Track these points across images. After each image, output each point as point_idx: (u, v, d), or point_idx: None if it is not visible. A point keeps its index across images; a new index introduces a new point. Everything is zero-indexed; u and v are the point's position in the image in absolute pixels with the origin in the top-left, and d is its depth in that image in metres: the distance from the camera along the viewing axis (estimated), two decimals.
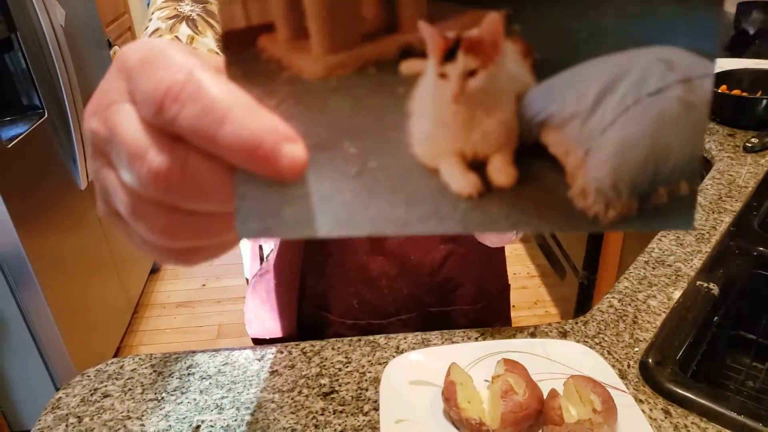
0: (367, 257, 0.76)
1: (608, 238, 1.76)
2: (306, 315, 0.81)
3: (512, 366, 0.61)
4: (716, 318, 0.73)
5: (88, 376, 0.69)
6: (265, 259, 0.83)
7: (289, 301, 0.80)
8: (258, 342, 0.84)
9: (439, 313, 0.81)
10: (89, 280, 1.84)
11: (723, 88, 1.26)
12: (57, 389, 0.67)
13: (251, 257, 0.86)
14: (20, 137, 1.50)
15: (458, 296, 0.81)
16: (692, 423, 0.58)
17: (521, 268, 2.42)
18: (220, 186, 0.22)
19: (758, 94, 1.24)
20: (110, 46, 2.26)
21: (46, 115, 1.63)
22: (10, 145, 1.45)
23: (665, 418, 0.59)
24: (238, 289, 2.39)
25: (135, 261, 2.23)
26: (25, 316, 1.56)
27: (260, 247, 0.84)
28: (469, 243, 0.78)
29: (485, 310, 0.83)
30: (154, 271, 2.47)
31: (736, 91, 1.25)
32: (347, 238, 0.22)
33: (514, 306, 2.19)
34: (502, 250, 0.85)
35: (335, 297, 0.79)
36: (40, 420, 0.64)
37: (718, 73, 1.30)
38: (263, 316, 0.82)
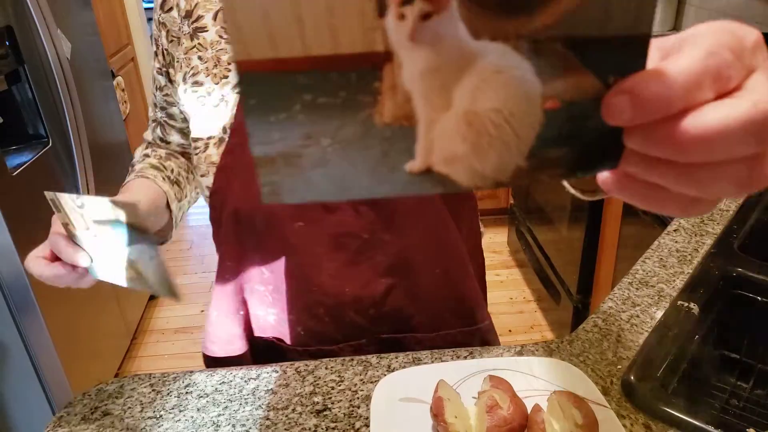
0: (304, 288, 0.75)
1: (601, 261, 1.79)
2: (261, 341, 0.82)
3: (498, 382, 0.63)
4: (697, 336, 0.75)
5: (89, 395, 0.72)
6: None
7: (241, 326, 0.80)
8: (212, 361, 0.83)
9: (391, 339, 0.78)
10: (89, 307, 1.86)
11: None
12: (55, 415, 0.69)
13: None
14: (25, 165, 1.54)
15: (412, 326, 0.79)
16: None
17: (517, 293, 2.44)
18: None
19: None
20: (113, 76, 2.32)
21: (50, 144, 1.67)
22: (15, 173, 1.49)
23: None
24: None
25: None
26: (25, 342, 1.57)
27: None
28: (416, 276, 0.76)
29: (449, 339, 0.79)
30: (153, 297, 2.49)
31: None
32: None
33: (510, 331, 2.21)
34: (470, 279, 0.80)
35: (282, 325, 0.79)
36: None
37: None
38: (224, 335, 0.81)
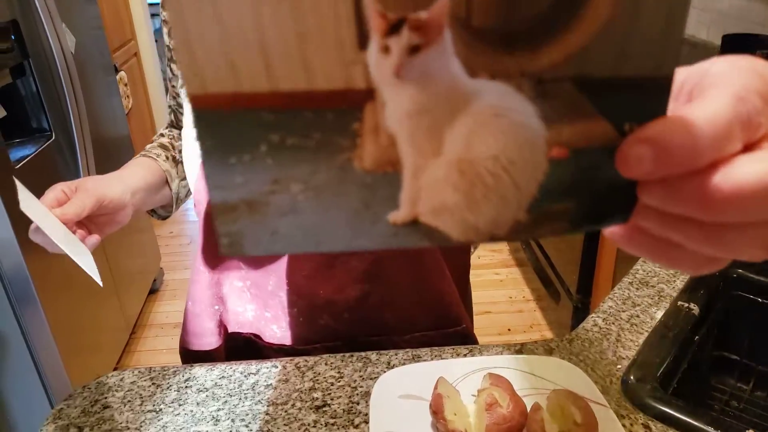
0: (279, 286, 0.76)
1: (601, 261, 1.79)
2: (238, 336, 0.82)
3: (497, 380, 0.63)
4: (697, 337, 0.75)
5: (89, 388, 0.72)
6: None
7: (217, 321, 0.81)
8: (186, 353, 0.84)
9: (367, 342, 0.78)
10: (89, 300, 1.86)
11: None
12: (54, 408, 0.70)
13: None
14: (28, 159, 1.54)
15: (387, 329, 0.79)
16: None
17: (517, 292, 2.44)
18: None
19: None
20: (116, 71, 2.33)
21: (53, 138, 1.67)
22: (18, 166, 1.49)
23: None
24: None
25: (134, 281, 2.26)
26: (25, 334, 1.58)
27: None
28: (391, 282, 0.76)
29: (425, 341, 0.79)
30: (153, 291, 2.49)
31: None
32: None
33: (509, 330, 2.21)
34: (447, 283, 0.80)
35: (260, 321, 0.80)
36: (41, 429, 0.66)
37: None
38: (200, 329, 0.82)
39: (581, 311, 1.90)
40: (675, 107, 0.24)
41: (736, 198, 0.21)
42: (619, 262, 1.65)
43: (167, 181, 0.86)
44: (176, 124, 0.92)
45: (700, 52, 2.12)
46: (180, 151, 0.89)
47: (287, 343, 0.79)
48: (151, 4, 3.18)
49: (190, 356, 0.82)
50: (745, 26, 1.94)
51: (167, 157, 0.87)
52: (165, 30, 0.83)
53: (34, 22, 1.60)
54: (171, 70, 0.86)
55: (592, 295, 1.86)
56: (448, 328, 0.81)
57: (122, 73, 2.45)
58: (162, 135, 0.92)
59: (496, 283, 2.50)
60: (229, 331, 0.82)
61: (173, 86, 0.87)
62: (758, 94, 0.23)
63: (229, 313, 0.81)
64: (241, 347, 0.82)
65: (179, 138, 0.91)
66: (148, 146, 0.89)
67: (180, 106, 0.88)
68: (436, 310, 0.82)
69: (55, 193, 0.69)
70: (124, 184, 0.75)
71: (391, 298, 0.77)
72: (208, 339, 0.81)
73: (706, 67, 0.25)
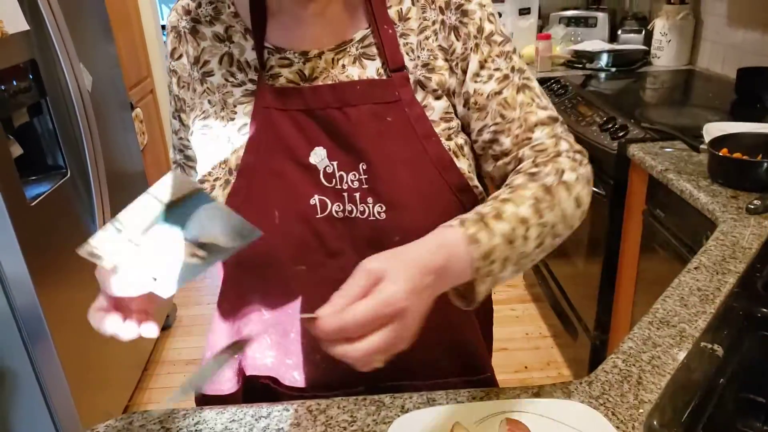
0: (302, 332, 0.74)
1: (618, 298, 1.76)
2: (256, 381, 0.81)
3: (515, 426, 0.61)
4: (722, 380, 0.72)
5: (97, 431, 0.70)
6: None
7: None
8: (202, 398, 0.83)
9: (389, 387, 0.75)
10: (101, 337, 1.85)
11: (724, 152, 1.29)
12: None
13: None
14: (43, 196, 1.56)
15: (410, 374, 0.77)
16: None
17: (533, 328, 2.40)
18: None
19: (759, 157, 1.26)
20: (132, 108, 2.37)
21: (68, 175, 1.70)
22: (33, 204, 1.51)
23: None
24: None
25: None
26: (36, 371, 1.57)
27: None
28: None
29: (448, 388, 0.74)
30: (166, 327, 2.48)
31: (737, 154, 1.28)
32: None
33: (526, 367, 2.17)
34: (473, 329, 0.80)
35: (279, 367, 0.78)
36: None
37: (720, 137, 1.34)
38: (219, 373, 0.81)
39: (599, 348, 1.86)
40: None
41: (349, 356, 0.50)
42: (638, 298, 1.62)
43: None
44: None
45: (714, 85, 2.12)
46: None
47: (306, 390, 0.77)
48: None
49: (207, 401, 0.81)
50: (760, 60, 1.94)
51: None
52: (173, 80, 0.77)
53: (52, 61, 1.64)
54: (180, 120, 0.79)
55: (610, 331, 1.82)
56: (473, 375, 0.79)
57: (138, 110, 2.49)
58: None
59: (513, 320, 2.46)
60: (247, 374, 0.81)
61: (180, 138, 0.81)
62: (406, 292, 0.51)
63: (248, 359, 0.80)
64: (258, 391, 0.80)
65: None
66: None
67: (188, 159, 0.82)
68: (462, 357, 0.80)
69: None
70: None
71: (416, 343, 0.73)
72: (225, 385, 0.80)
73: (392, 264, 0.52)
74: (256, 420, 0.71)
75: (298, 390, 0.77)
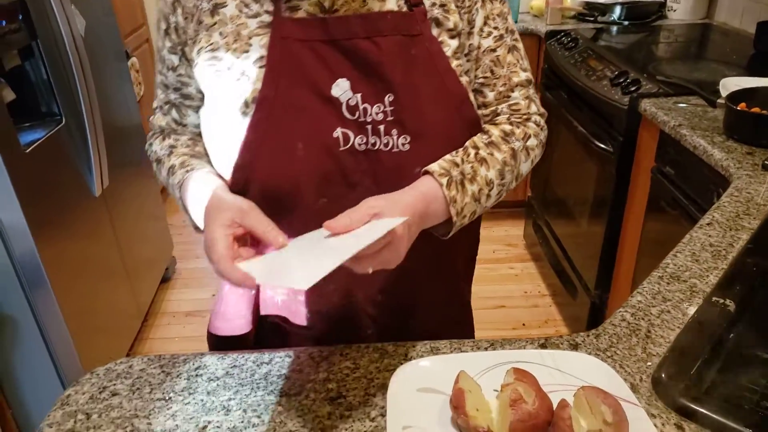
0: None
1: (621, 257, 1.75)
2: (266, 321, 0.81)
3: (522, 375, 0.60)
4: (732, 335, 0.71)
5: (98, 374, 0.70)
6: None
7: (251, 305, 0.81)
8: (215, 339, 0.83)
9: (396, 331, 0.78)
10: (101, 286, 1.85)
11: (742, 106, 1.25)
12: (63, 393, 0.67)
13: None
14: (38, 143, 1.52)
15: (412, 319, 0.82)
16: None
17: (532, 287, 2.40)
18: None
19: None
20: (128, 57, 2.30)
21: (63, 122, 1.66)
22: (28, 150, 1.48)
23: None
24: None
25: (146, 269, 2.25)
26: (37, 319, 1.57)
27: None
28: (421, 267, 0.76)
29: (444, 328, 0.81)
30: (165, 279, 2.49)
31: (755, 109, 1.24)
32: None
33: (524, 324, 2.18)
34: (467, 282, 0.91)
35: (291, 305, 0.79)
36: (49, 416, 0.64)
37: (737, 91, 1.30)
38: (235, 312, 0.81)
39: (599, 307, 1.86)
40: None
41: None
42: (641, 257, 1.60)
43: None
44: (179, 122, 0.81)
45: (732, 40, 2.06)
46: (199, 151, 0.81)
47: (315, 328, 0.78)
48: None
49: (220, 342, 0.81)
50: None
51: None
52: (178, 11, 0.73)
53: (41, 2, 1.58)
54: (183, 54, 0.74)
55: (611, 290, 1.82)
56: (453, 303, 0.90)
57: (134, 59, 2.43)
58: (173, 147, 0.80)
59: (512, 278, 2.46)
60: (261, 313, 0.81)
61: (179, 75, 0.76)
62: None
63: (261, 296, 0.80)
64: (268, 332, 0.81)
65: (194, 145, 0.81)
66: (190, 162, 0.77)
67: (186, 97, 0.78)
68: (453, 299, 0.89)
69: (224, 240, 0.61)
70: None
71: (419, 284, 0.81)
72: (239, 322, 0.79)
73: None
74: (257, 366, 0.70)
75: (306, 329, 0.78)
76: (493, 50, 0.76)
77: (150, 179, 2.36)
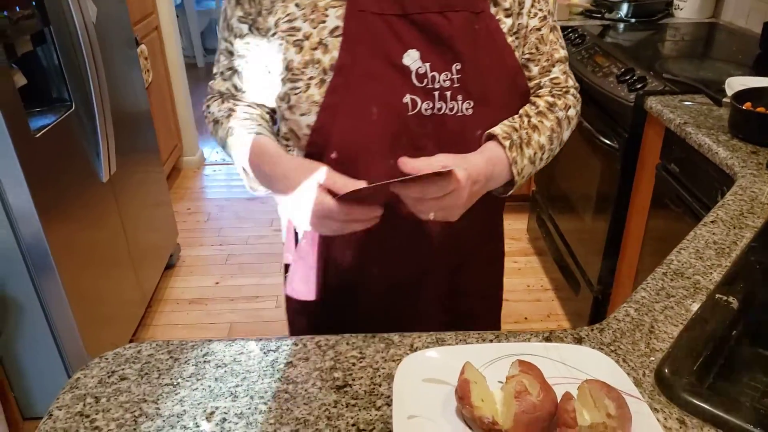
0: (390, 214, 0.76)
1: (625, 253, 1.75)
2: (335, 284, 0.92)
3: (527, 368, 0.60)
4: (735, 332, 0.72)
5: (107, 359, 0.71)
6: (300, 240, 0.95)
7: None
8: (294, 306, 0.98)
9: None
10: (106, 272, 1.87)
11: (747, 105, 1.25)
12: (71, 378, 0.68)
13: (287, 237, 0.98)
14: (48, 128, 1.53)
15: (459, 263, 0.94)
16: None
17: (535, 281, 2.41)
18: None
19: None
20: (137, 44, 2.31)
21: (73, 108, 1.66)
22: (38, 135, 1.48)
23: (680, 428, 0.59)
24: (251, 288, 2.40)
25: (151, 256, 2.26)
26: (42, 303, 1.58)
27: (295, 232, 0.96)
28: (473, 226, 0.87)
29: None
30: (170, 266, 2.50)
31: (761, 109, 1.24)
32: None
33: (526, 318, 2.19)
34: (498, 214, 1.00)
35: (360, 267, 0.90)
36: (58, 398, 0.65)
37: (742, 91, 1.30)
38: (306, 278, 0.94)
39: (601, 303, 1.87)
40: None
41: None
42: (644, 254, 1.61)
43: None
44: (239, 88, 0.86)
45: (738, 39, 2.05)
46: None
47: (382, 282, 0.91)
48: None
49: (292, 306, 0.97)
50: None
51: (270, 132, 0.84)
52: None
53: None
54: (250, 25, 0.80)
55: (613, 286, 1.82)
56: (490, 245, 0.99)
57: (143, 47, 2.43)
58: (232, 110, 0.85)
59: (514, 272, 2.47)
60: (328, 279, 0.93)
61: (247, 42, 0.81)
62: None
63: (329, 260, 0.91)
64: (337, 294, 0.93)
65: (249, 106, 0.86)
66: (252, 125, 0.82)
67: (248, 65, 0.83)
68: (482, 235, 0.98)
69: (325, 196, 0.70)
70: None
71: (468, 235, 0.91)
72: (310, 286, 0.93)
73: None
74: (264, 353, 0.71)
75: (375, 283, 0.90)
76: (539, 29, 0.84)
77: (156, 166, 2.37)
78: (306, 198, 0.70)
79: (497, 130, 0.79)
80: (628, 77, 1.66)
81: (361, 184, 0.67)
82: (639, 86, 1.60)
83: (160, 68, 2.95)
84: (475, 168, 0.72)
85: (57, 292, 1.58)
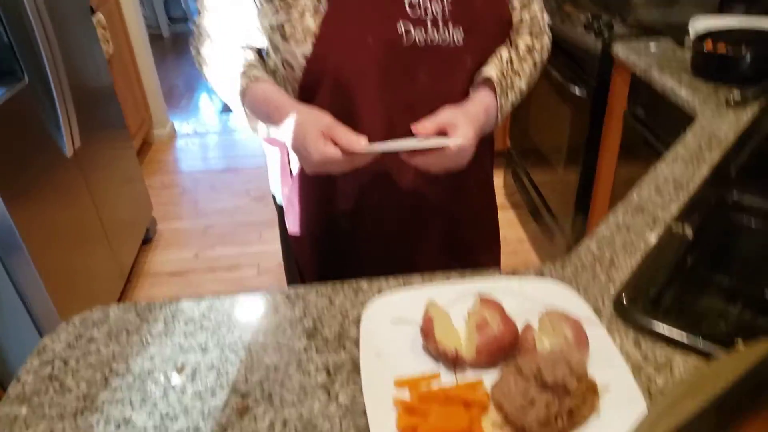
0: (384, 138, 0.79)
1: (596, 200, 1.78)
2: (332, 217, 0.94)
3: (488, 303, 0.62)
4: (689, 260, 0.74)
5: (73, 323, 0.71)
6: (291, 173, 0.96)
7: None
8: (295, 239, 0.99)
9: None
10: (80, 249, 1.84)
11: (708, 45, 1.26)
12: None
13: (281, 171, 0.99)
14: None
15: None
16: (660, 352, 0.60)
17: (512, 234, 2.44)
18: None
19: (743, 51, 1.24)
20: (92, 12, 2.23)
21: (27, 82, 1.61)
22: None
23: (635, 348, 0.61)
24: (230, 258, 2.40)
25: (126, 231, 2.23)
26: (16, 285, 1.56)
27: (288, 162, 0.97)
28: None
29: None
30: (147, 241, 2.48)
31: (721, 46, 1.25)
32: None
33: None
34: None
35: (355, 197, 0.91)
36: (26, 363, 0.65)
37: (706, 32, 1.30)
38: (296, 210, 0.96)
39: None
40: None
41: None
42: (614, 200, 1.63)
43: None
44: (230, 26, 0.86)
45: None
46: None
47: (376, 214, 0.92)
48: None
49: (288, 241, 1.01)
50: None
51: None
52: None
53: None
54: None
55: (585, 233, 1.86)
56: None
57: (99, 15, 2.35)
58: (227, 53, 0.86)
59: None
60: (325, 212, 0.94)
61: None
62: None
63: (324, 192, 0.91)
64: (328, 232, 0.95)
65: (242, 48, 0.86)
66: (251, 71, 0.83)
67: (241, 3, 0.82)
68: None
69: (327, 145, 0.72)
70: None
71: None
72: (310, 221, 0.95)
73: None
74: (233, 308, 0.71)
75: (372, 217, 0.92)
76: None
77: (125, 140, 2.32)
78: (311, 149, 0.72)
79: (492, 72, 0.83)
80: (595, 24, 1.66)
81: (363, 140, 0.71)
82: (606, 33, 1.59)
83: (121, 38, 2.86)
84: (477, 121, 0.78)
85: (29, 272, 1.55)
